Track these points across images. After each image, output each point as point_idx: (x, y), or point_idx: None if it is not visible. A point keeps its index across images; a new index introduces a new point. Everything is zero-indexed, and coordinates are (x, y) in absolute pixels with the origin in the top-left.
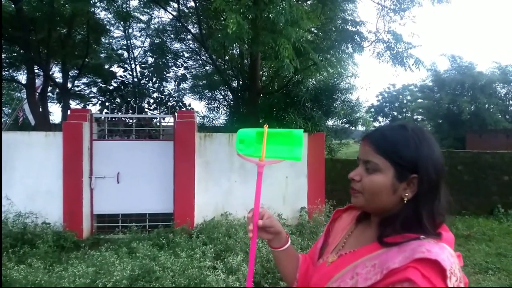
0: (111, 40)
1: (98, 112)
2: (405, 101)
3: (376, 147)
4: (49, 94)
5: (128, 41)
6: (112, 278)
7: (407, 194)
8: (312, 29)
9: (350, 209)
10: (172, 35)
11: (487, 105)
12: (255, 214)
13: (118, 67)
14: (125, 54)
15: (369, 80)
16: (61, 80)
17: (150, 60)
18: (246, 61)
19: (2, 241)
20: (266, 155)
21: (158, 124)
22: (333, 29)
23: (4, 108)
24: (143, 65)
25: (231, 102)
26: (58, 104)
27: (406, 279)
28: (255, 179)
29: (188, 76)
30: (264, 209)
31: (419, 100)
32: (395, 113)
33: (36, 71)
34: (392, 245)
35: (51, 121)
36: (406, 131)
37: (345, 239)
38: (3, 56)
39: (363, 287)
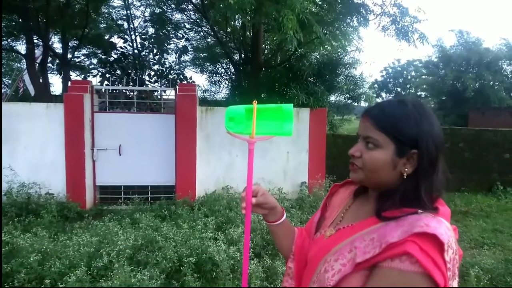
0: (110, 10)
1: (99, 84)
2: (409, 77)
3: (376, 123)
4: (49, 65)
5: (128, 11)
6: (115, 247)
7: (407, 170)
8: (317, 0)
9: (347, 184)
10: (173, 5)
11: (492, 82)
12: (248, 192)
13: (118, 38)
14: (125, 25)
15: (373, 55)
16: (61, 51)
17: (151, 31)
18: (248, 33)
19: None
20: (256, 131)
21: (159, 97)
22: (338, 0)
23: (4, 79)
24: (143, 36)
25: (233, 76)
26: (58, 75)
27: (405, 253)
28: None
29: (189, 48)
30: (258, 185)
31: (424, 76)
32: (399, 89)
33: (36, 41)
34: (390, 220)
35: (51, 92)
36: (406, 106)
37: (343, 213)
38: (2, 24)
39: (361, 260)
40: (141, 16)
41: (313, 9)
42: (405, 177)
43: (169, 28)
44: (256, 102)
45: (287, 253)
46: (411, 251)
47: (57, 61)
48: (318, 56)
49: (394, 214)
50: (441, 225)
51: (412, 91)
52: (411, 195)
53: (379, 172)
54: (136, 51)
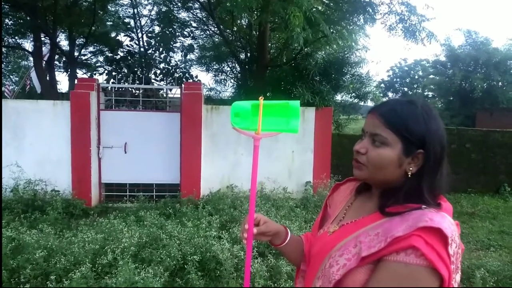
0: (117, 8)
1: (105, 81)
2: (416, 77)
3: (385, 121)
4: (56, 62)
5: (135, 9)
6: (120, 244)
7: (411, 169)
8: None
9: (348, 181)
10: (179, 4)
11: (500, 82)
12: (252, 187)
13: (124, 36)
14: (132, 23)
15: (380, 54)
16: (67, 49)
17: (157, 29)
18: (254, 32)
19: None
20: (262, 128)
21: (164, 95)
22: None
23: (11, 76)
24: (149, 35)
25: (239, 75)
26: (65, 73)
27: (410, 246)
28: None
29: (195, 46)
30: (258, 214)
31: (431, 76)
32: (406, 89)
33: (43, 39)
34: (394, 215)
35: (58, 90)
36: (416, 106)
37: (345, 210)
38: (10, 22)
39: (366, 254)
40: (148, 15)
41: (319, 8)
42: (409, 176)
43: (175, 27)
44: (263, 98)
45: (299, 263)
46: (417, 244)
47: (64, 59)
48: (324, 55)
49: (398, 209)
50: (444, 219)
51: (419, 91)
52: (414, 193)
53: (384, 169)
54: (142, 49)
